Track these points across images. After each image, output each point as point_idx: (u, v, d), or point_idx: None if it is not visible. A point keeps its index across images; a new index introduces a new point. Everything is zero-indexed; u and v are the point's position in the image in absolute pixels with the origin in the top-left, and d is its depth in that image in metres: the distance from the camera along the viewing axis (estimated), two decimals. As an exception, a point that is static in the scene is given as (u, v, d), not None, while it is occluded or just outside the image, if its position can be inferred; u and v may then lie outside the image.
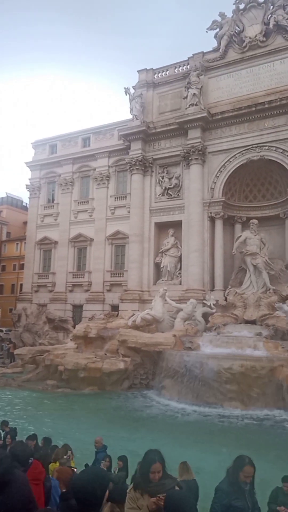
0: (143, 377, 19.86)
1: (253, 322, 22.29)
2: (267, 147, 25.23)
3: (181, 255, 27.40)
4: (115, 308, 28.66)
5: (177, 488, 5.16)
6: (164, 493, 4.68)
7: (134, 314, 23.87)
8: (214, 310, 23.65)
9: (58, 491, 5.73)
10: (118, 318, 25.47)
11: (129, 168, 29.41)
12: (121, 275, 30.27)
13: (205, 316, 23.66)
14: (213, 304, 23.88)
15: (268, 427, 13.54)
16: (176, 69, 29.49)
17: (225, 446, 10.92)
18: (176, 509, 3.88)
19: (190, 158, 27.02)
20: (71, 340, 24.39)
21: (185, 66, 28.94)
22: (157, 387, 18.66)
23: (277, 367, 15.67)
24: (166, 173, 28.77)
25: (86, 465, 7.11)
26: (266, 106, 24.99)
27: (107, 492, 3.15)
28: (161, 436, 11.83)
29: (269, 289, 23.75)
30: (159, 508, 4.37)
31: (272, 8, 25.99)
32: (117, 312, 27.21)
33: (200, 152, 26.71)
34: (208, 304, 23.95)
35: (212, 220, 26.74)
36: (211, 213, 26.57)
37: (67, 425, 13.21)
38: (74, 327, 27.54)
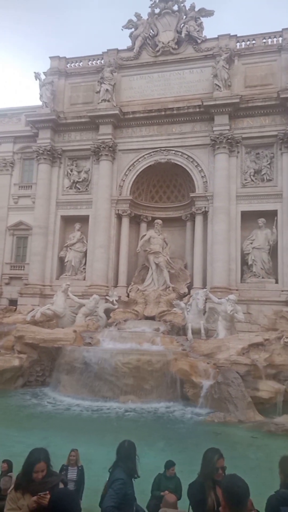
0: (39, 374, 19.23)
1: (152, 318, 23.15)
2: (173, 152, 26.36)
3: (86, 250, 27.18)
4: (13, 302, 27.22)
5: (61, 485, 5.07)
6: (46, 492, 4.55)
7: (33, 309, 23.00)
8: (116, 306, 23.97)
9: None
10: (16, 313, 24.28)
11: (36, 157, 28.18)
12: (22, 268, 28.87)
13: (107, 312, 23.86)
14: (116, 300, 24.20)
15: (160, 419, 14.18)
16: (90, 61, 29.10)
17: (117, 438, 11.12)
18: (60, 506, 3.80)
19: (100, 154, 26.92)
20: None
21: (99, 60, 28.71)
22: (54, 383, 18.25)
23: (171, 361, 16.50)
24: (75, 166, 28.25)
25: None
26: (175, 112, 26.09)
27: None
28: (53, 433, 11.57)
29: (169, 287, 24.91)
30: (40, 507, 4.24)
31: (185, 18, 27.20)
32: (15, 307, 25.90)
33: (110, 148, 26.78)
34: (111, 300, 24.19)
35: (119, 217, 27.06)
36: (118, 210, 26.85)
37: None
38: None
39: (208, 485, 4.50)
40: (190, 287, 25.22)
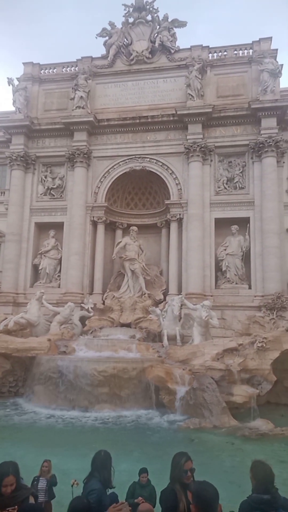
0: (12, 384, 18.74)
1: (128, 325, 23.08)
2: (148, 159, 26.57)
3: (61, 257, 26.88)
4: (-14, 311, 26.48)
5: (31, 498, 4.96)
6: (15, 506, 4.44)
7: (6, 318, 22.47)
8: (91, 314, 23.77)
9: None
10: (-12, 322, 23.62)
11: (9, 163, 27.75)
12: (-5, 276, 28.18)
13: (83, 319, 23.62)
14: (91, 308, 24.01)
15: (136, 427, 14.08)
16: (64, 68, 29.05)
17: (92, 448, 10.96)
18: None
19: (75, 160, 26.82)
20: None
21: (73, 67, 28.71)
22: (28, 394, 17.83)
23: (146, 368, 16.46)
24: (50, 173, 27.99)
25: None
26: (149, 120, 26.36)
27: None
28: (26, 445, 11.29)
29: (145, 294, 24.94)
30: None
31: (159, 28, 27.63)
32: (-13, 316, 25.21)
33: (85, 155, 26.72)
34: (86, 307, 23.98)
35: (94, 224, 26.95)
36: (93, 217, 26.75)
37: None
38: None
39: (178, 489, 4.52)
40: (165, 293, 25.34)
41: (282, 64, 25.12)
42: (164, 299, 24.54)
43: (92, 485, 5.07)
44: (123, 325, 23.22)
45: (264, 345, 16.96)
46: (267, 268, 23.51)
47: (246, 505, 4.31)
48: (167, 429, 13.71)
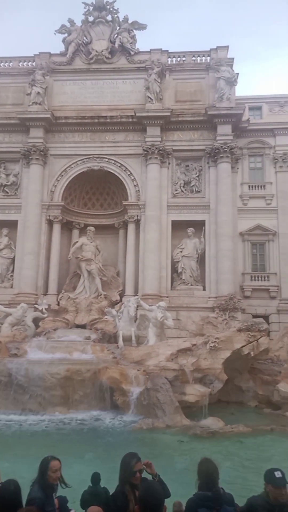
0: None
1: (83, 327, 22.81)
2: (107, 159, 26.44)
3: (14, 256, 26.06)
4: None
5: None
6: None
7: None
8: (45, 315, 23.22)
9: None
10: None
11: None
12: None
13: (36, 321, 23.03)
14: (45, 309, 23.45)
15: (89, 429, 13.90)
16: (21, 63, 28.24)
17: (43, 453, 10.68)
18: None
19: (30, 157, 26.12)
20: None
21: (30, 62, 27.99)
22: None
23: (101, 369, 16.31)
24: (3, 169, 27.06)
25: None
26: (108, 120, 26.26)
27: None
28: (-28, 452, 10.76)
29: (101, 295, 24.76)
30: None
31: (119, 29, 27.62)
32: None
33: (41, 153, 26.10)
34: (40, 308, 23.39)
35: (50, 223, 26.38)
36: (49, 216, 26.18)
37: None
38: None
39: (128, 490, 4.53)
40: (122, 294, 25.31)
41: (238, 73, 26.05)
42: (121, 300, 24.49)
43: (33, 493, 4.89)
44: (78, 326, 22.92)
45: (217, 345, 17.40)
46: (221, 270, 24.18)
47: (192, 502, 4.38)
48: (120, 430, 13.66)
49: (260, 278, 25.58)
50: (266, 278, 25.54)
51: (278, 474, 4.26)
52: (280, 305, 24.86)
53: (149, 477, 4.99)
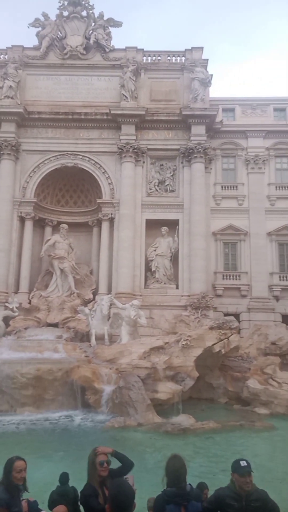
0: None
1: (56, 325, 22.53)
2: (81, 156, 26.19)
3: (-16, 254, 25.35)
4: None
5: None
6: None
7: None
8: (16, 313, 22.79)
9: None
10: None
11: None
12: None
13: (7, 319, 22.57)
14: (16, 307, 23.00)
15: (59, 429, 13.76)
16: (-7, 55, 27.52)
17: (11, 454, 10.49)
18: None
19: (2, 152, 25.52)
20: None
21: (2, 55, 27.29)
22: None
23: (73, 368, 16.15)
24: (-27, 164, 26.27)
25: None
26: (83, 117, 26.01)
27: None
28: None
29: (74, 293, 24.53)
30: None
31: (94, 25, 27.38)
32: None
33: (13, 148, 25.55)
34: (11, 307, 22.92)
35: (22, 220, 25.88)
36: (21, 213, 25.67)
37: None
38: None
39: (96, 482, 4.59)
40: (95, 293, 25.17)
41: (212, 75, 26.39)
42: (94, 299, 24.35)
43: None
44: (50, 325, 22.61)
45: (189, 343, 17.59)
46: (194, 269, 24.46)
47: (160, 499, 4.42)
48: (91, 429, 13.58)
49: (231, 277, 26.06)
50: (237, 277, 26.04)
51: (243, 463, 4.40)
52: (250, 303, 25.42)
53: (114, 463, 5.02)
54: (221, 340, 17.99)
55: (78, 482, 7.26)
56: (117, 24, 27.59)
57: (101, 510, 4.38)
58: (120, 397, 14.93)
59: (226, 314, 23.30)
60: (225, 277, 26.04)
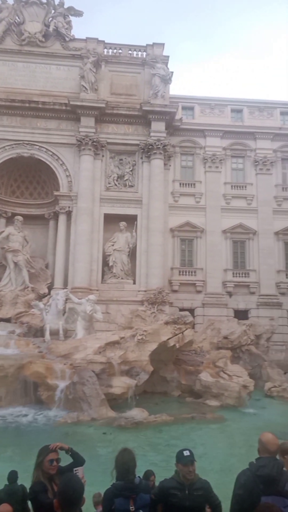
0: None
1: (8, 320, 21.87)
2: (38, 147, 25.47)
3: None
4: None
5: None
6: None
7: None
8: None
9: None
10: None
11: None
12: None
13: None
14: None
15: (10, 426, 13.39)
16: None
17: None
18: None
19: None
20: None
21: None
22: None
23: (25, 364, 15.74)
24: None
25: None
26: (40, 106, 25.28)
27: None
28: None
29: (28, 287, 23.93)
30: None
31: (54, 13, 26.61)
32: None
33: None
34: None
35: (-26, 211, 24.82)
36: (-27, 203, 24.60)
37: None
38: None
39: (44, 478, 4.53)
40: (50, 287, 24.70)
41: (173, 72, 26.55)
42: (49, 293, 23.90)
43: None
44: (2, 320, 21.89)
45: (144, 338, 17.72)
46: (151, 265, 24.67)
47: (109, 492, 4.43)
48: (44, 426, 13.35)
49: (187, 273, 26.58)
50: (193, 273, 26.61)
51: (186, 452, 4.51)
52: (205, 298, 26.08)
53: (67, 458, 4.99)
54: (176, 334, 18.29)
55: (28, 480, 7.13)
56: (78, 14, 27.01)
57: (50, 505, 4.34)
58: (74, 393, 14.78)
59: (181, 309, 23.77)
60: (181, 273, 26.51)
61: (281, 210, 28.10)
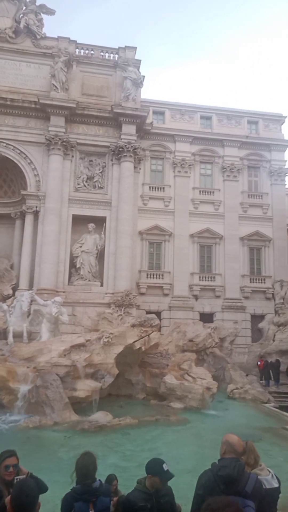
0: None
1: None
2: (5, 144, 24.88)
3: None
4: None
5: None
6: None
7: None
8: None
9: None
10: None
11: None
12: None
13: None
14: None
15: None
16: None
17: None
18: None
19: None
20: None
21: None
22: None
23: (-15, 368, 15.27)
24: None
25: None
26: (8, 103, 24.73)
27: None
28: None
29: (-9, 288, 23.23)
30: None
31: (25, 9, 26.18)
32: None
33: None
34: None
35: None
36: None
37: None
38: None
39: (1, 483, 4.38)
40: (15, 288, 24.13)
41: (144, 76, 26.75)
42: (13, 294, 23.32)
43: None
44: None
45: (110, 340, 17.62)
46: (119, 267, 24.63)
47: (68, 497, 4.36)
48: (4, 430, 12.97)
49: (155, 276, 26.75)
50: (160, 276, 26.81)
51: (165, 466, 4.39)
52: (171, 302, 26.33)
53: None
54: (142, 337, 18.31)
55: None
56: (50, 12, 26.68)
57: (4, 510, 4.21)
58: (37, 397, 14.46)
59: (148, 312, 23.86)
60: (149, 276, 26.64)
61: (246, 216, 28.88)
